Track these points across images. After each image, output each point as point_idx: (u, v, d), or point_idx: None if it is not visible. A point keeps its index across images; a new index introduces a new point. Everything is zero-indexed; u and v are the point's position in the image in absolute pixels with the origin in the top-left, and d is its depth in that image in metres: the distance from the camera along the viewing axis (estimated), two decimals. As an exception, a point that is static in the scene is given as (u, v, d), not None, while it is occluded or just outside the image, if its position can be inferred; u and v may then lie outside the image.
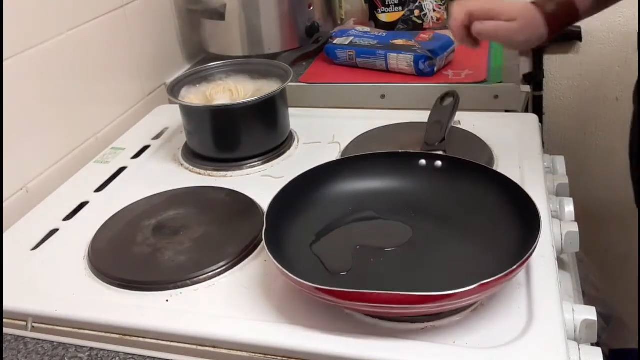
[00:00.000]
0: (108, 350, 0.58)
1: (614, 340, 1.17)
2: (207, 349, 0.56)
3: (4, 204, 0.79)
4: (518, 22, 0.83)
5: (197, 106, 0.86)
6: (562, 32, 0.87)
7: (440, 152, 0.74)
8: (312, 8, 1.17)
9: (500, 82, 0.98)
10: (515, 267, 0.52)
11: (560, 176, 0.82)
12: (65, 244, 0.71)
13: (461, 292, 0.50)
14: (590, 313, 0.56)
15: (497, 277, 0.51)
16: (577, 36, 1.31)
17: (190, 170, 0.86)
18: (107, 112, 0.99)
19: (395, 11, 1.22)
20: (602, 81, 1.39)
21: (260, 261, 0.66)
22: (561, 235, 0.67)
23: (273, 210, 0.63)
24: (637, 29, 0.94)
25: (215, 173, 0.84)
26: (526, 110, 1.06)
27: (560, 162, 0.85)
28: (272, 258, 0.56)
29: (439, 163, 0.70)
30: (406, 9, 1.21)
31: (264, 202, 0.68)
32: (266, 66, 0.93)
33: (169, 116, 1.01)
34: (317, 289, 0.52)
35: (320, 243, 0.64)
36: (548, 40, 0.87)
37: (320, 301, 0.56)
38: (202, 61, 1.22)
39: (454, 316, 0.55)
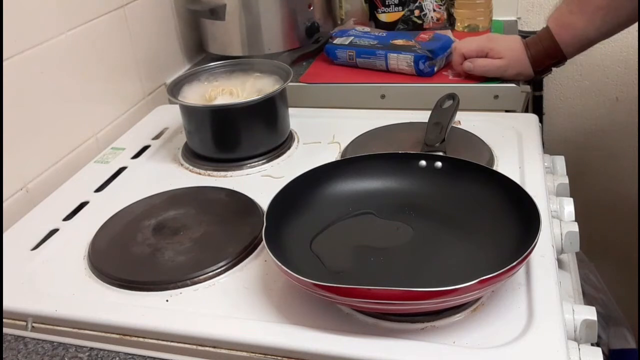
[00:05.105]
0: (108, 350, 0.58)
1: (614, 340, 1.16)
2: (207, 349, 0.56)
3: (4, 204, 0.79)
4: (505, 60, 0.95)
5: (197, 106, 0.86)
6: (549, 71, 0.94)
7: (440, 153, 0.74)
8: (312, 8, 1.17)
9: (500, 82, 0.98)
10: (515, 263, 0.52)
11: (560, 176, 0.82)
12: (65, 244, 0.71)
13: (461, 287, 0.50)
14: (590, 313, 0.56)
15: (497, 273, 0.51)
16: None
17: (190, 170, 0.86)
18: (107, 112, 0.99)
19: (395, 11, 1.22)
20: (602, 81, 1.39)
21: (260, 261, 0.66)
22: (561, 235, 0.67)
23: (273, 209, 0.63)
24: (637, 29, 0.94)
25: (215, 173, 0.84)
26: (526, 110, 1.06)
27: (560, 162, 0.85)
28: (271, 256, 0.56)
29: (439, 164, 0.70)
30: (406, 9, 1.21)
31: (264, 202, 0.68)
32: (266, 66, 0.93)
33: (169, 116, 1.01)
34: (315, 285, 0.52)
35: (320, 243, 0.64)
36: (536, 77, 0.94)
37: (320, 300, 0.56)
38: (202, 61, 1.22)
39: (454, 316, 0.55)
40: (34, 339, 0.61)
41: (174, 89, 0.88)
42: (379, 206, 0.69)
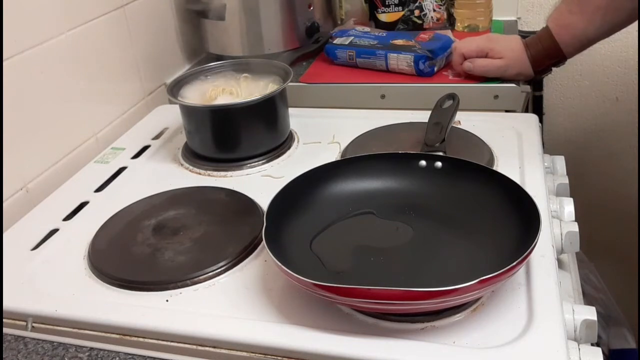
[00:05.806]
0: (108, 350, 0.58)
1: (614, 340, 1.17)
2: (207, 349, 0.56)
3: (4, 204, 0.79)
4: (505, 60, 0.96)
5: (197, 106, 0.86)
6: (549, 71, 0.94)
7: (440, 153, 0.74)
8: (312, 8, 1.17)
9: (500, 82, 0.98)
10: (515, 263, 0.52)
11: (560, 176, 0.82)
12: (65, 244, 0.71)
13: (461, 287, 0.50)
14: (590, 313, 0.56)
15: (497, 273, 0.51)
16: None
17: (190, 170, 0.86)
18: (107, 112, 0.99)
19: (395, 11, 1.22)
20: (602, 81, 1.39)
21: (260, 261, 0.66)
22: (561, 235, 0.67)
23: (273, 209, 0.63)
24: (637, 29, 0.94)
25: (215, 173, 0.84)
26: (526, 110, 1.06)
27: (560, 162, 0.85)
28: (271, 256, 0.56)
29: (439, 164, 0.70)
30: (406, 9, 1.21)
31: (264, 202, 0.68)
32: (266, 66, 0.93)
33: (169, 116, 1.01)
34: (315, 285, 0.52)
35: (320, 243, 0.64)
36: (536, 77, 0.94)
37: (320, 300, 0.56)
38: (202, 61, 1.22)
39: (454, 316, 0.55)
40: (34, 339, 0.61)
41: (174, 89, 0.88)
42: (379, 206, 0.69)
